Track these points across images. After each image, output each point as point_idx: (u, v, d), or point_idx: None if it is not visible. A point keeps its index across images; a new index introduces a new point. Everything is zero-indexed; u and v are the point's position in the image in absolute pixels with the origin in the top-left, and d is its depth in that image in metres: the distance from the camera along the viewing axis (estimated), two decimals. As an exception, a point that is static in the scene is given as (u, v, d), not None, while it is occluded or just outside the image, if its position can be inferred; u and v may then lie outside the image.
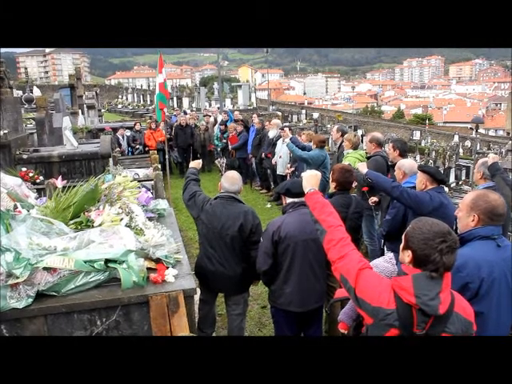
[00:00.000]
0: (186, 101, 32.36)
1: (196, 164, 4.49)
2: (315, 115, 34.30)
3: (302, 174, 2.83)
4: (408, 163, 4.58)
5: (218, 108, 24.17)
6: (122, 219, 3.41)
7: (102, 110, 25.79)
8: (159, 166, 8.64)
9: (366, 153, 6.32)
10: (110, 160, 8.33)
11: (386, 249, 4.54)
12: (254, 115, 13.81)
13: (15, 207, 3.43)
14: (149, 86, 56.33)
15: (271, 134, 10.23)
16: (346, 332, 3.07)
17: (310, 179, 2.74)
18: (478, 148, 24.90)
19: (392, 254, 3.58)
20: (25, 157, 7.96)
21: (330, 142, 16.85)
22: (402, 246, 2.17)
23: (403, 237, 2.18)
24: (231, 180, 3.97)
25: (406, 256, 2.12)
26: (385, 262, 3.09)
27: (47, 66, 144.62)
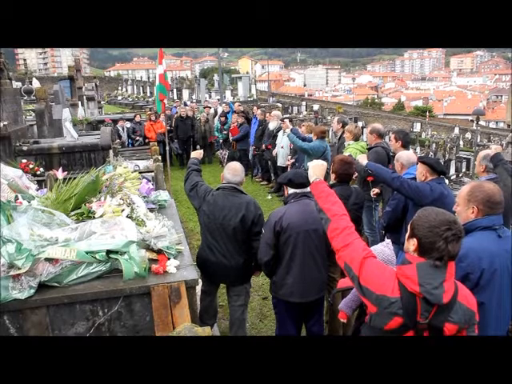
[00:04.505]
0: (185, 92, 32.26)
1: (197, 154, 4.48)
2: (315, 107, 34.30)
3: (308, 164, 2.84)
4: (405, 155, 4.58)
5: (218, 100, 24.11)
6: (123, 210, 3.40)
7: (102, 102, 25.68)
8: (159, 158, 8.62)
9: (367, 144, 6.30)
10: (111, 151, 8.32)
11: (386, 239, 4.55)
12: (255, 107, 13.78)
13: (16, 198, 3.43)
14: (148, 78, 56.09)
15: (271, 125, 10.22)
16: (345, 321, 3.11)
17: (316, 169, 2.75)
18: (478, 140, 24.89)
19: (389, 240, 3.59)
20: (25, 148, 7.95)
21: (330, 133, 16.84)
22: (407, 234, 2.18)
23: (409, 226, 2.19)
24: (233, 171, 3.96)
25: (411, 244, 2.14)
26: (382, 246, 3.11)
27: (46, 58, 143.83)
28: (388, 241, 3.19)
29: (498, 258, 2.58)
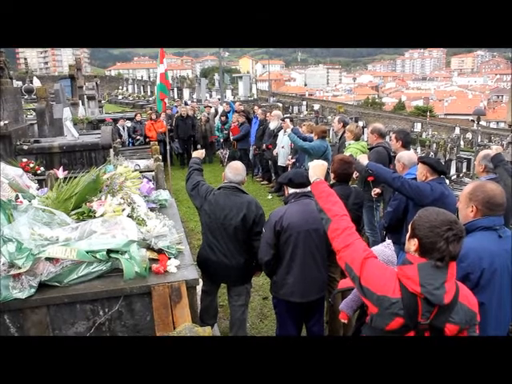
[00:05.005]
0: (186, 92, 32.25)
1: (199, 154, 4.49)
2: (316, 106, 34.31)
3: (309, 164, 2.84)
4: (406, 155, 4.58)
5: (219, 99, 24.10)
6: (123, 210, 3.40)
7: (103, 101, 25.68)
8: (160, 157, 8.62)
9: (368, 144, 6.30)
10: (111, 151, 8.32)
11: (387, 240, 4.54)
12: (256, 107, 13.75)
13: (17, 197, 3.42)
14: (149, 77, 56.05)
15: (272, 125, 10.21)
16: (346, 321, 3.11)
17: (317, 168, 2.75)
18: (479, 140, 24.87)
19: (390, 240, 3.60)
20: (25, 148, 7.95)
21: (330, 133, 16.83)
22: (408, 234, 2.18)
23: (410, 226, 2.18)
24: (235, 170, 3.97)
25: (412, 245, 2.13)
26: (382, 247, 3.11)
27: (47, 57, 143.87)
28: (389, 241, 3.19)
29: (498, 257, 2.58)
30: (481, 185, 2.73)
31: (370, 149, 6.00)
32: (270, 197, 9.91)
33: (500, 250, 2.60)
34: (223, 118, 13.08)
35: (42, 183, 5.65)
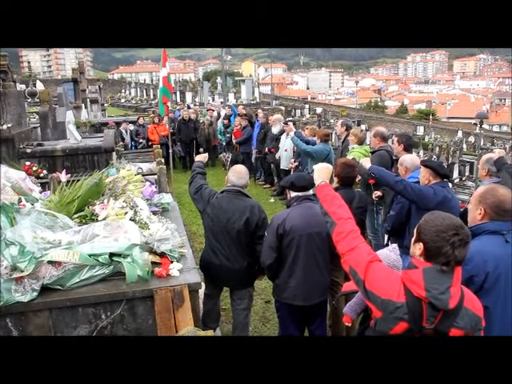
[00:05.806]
0: (189, 95, 32.36)
1: (202, 158, 4.49)
2: (318, 110, 34.38)
3: (314, 167, 2.83)
4: (409, 158, 4.56)
5: (222, 102, 24.14)
6: (126, 213, 3.40)
7: (105, 105, 25.75)
8: (162, 161, 8.62)
9: (371, 147, 6.30)
10: (114, 154, 8.34)
11: (390, 243, 4.53)
12: (259, 110, 13.74)
13: (19, 201, 3.42)
14: (152, 81, 56.33)
15: (275, 129, 10.21)
16: (349, 325, 3.10)
17: (322, 172, 2.74)
18: (481, 144, 24.82)
19: (396, 244, 3.59)
20: (28, 151, 7.97)
21: (333, 136, 16.85)
22: (413, 238, 2.17)
23: (415, 230, 2.17)
24: (238, 174, 3.96)
25: (417, 249, 2.12)
26: (387, 251, 3.10)
27: (50, 61, 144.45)
28: (394, 245, 3.18)
29: (504, 262, 2.57)
30: (493, 188, 2.72)
31: (372, 152, 6.00)
32: (272, 200, 9.90)
33: (505, 254, 2.59)
34: (226, 122, 13.06)
35: (44, 186, 5.64)
